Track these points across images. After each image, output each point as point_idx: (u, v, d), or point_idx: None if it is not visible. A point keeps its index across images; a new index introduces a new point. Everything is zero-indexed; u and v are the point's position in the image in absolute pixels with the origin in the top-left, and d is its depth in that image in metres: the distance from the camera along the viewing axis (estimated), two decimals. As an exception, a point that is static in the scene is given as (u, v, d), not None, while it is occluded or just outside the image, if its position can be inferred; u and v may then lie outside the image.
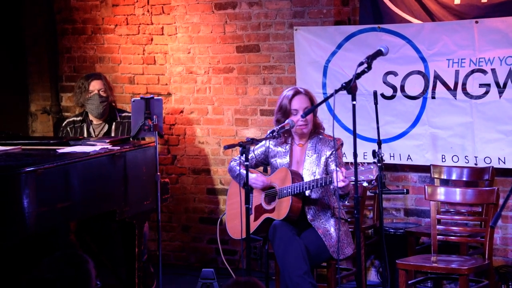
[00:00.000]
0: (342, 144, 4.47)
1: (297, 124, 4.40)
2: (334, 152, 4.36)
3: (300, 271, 4.18)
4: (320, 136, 4.47)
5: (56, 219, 4.03)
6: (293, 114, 4.40)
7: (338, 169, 4.15)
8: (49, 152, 4.47)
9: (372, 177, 3.94)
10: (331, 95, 3.93)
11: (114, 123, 5.28)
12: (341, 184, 4.09)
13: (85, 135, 5.25)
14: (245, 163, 4.13)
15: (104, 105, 5.21)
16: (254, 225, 4.43)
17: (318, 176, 4.34)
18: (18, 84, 6.46)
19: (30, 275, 2.44)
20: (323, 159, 4.42)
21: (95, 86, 5.22)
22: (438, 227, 4.62)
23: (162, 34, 6.05)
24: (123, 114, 5.32)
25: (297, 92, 4.44)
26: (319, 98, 5.07)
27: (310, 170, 4.42)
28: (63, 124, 5.41)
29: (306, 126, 4.42)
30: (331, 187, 4.29)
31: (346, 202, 4.35)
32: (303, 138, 4.49)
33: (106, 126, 5.28)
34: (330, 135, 4.44)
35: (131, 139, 4.82)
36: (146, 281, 5.01)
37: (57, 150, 4.47)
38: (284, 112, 4.42)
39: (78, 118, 5.32)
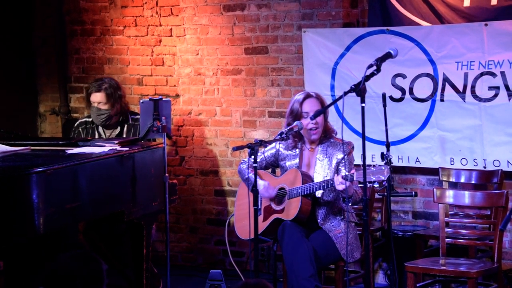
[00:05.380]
0: (353, 148, 4.47)
1: (307, 127, 4.40)
2: (345, 156, 4.36)
3: (306, 274, 4.18)
4: (331, 140, 4.47)
5: (65, 220, 4.04)
6: (303, 117, 4.41)
7: (346, 172, 4.16)
8: (58, 153, 4.49)
9: (383, 177, 3.94)
10: (340, 97, 3.93)
11: (126, 126, 5.28)
12: (340, 187, 4.10)
13: (96, 136, 5.26)
14: (254, 164, 4.13)
15: (103, 118, 5.17)
16: (263, 226, 4.43)
17: None
18: (27, 85, 6.48)
19: (48, 270, 2.47)
20: (334, 162, 4.42)
21: (94, 99, 5.18)
22: (447, 230, 4.61)
23: (171, 35, 6.06)
24: (135, 117, 5.32)
25: (308, 96, 4.45)
26: (327, 100, 5.06)
27: (321, 174, 4.41)
28: (75, 124, 5.42)
29: (317, 131, 4.42)
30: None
31: (350, 204, 4.33)
32: (313, 142, 4.50)
33: (118, 129, 5.28)
34: (341, 138, 4.43)
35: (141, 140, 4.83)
36: (153, 282, 5.02)
37: (66, 151, 4.48)
38: (295, 115, 4.42)
39: (90, 119, 5.33)
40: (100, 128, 5.27)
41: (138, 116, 5.31)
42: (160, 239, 6.05)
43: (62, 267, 2.46)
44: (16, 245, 4.35)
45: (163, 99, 4.77)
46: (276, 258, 4.62)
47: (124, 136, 5.24)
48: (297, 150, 4.51)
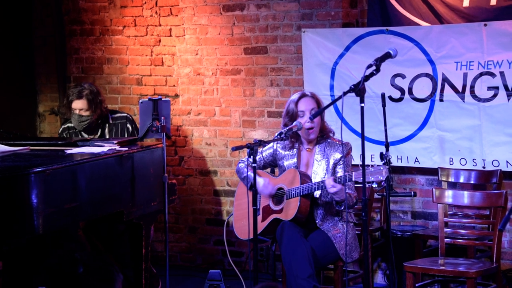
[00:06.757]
0: (351, 149, 4.47)
1: (305, 126, 4.40)
2: (343, 158, 4.36)
3: (305, 274, 4.18)
4: (329, 140, 4.47)
5: (64, 220, 4.04)
6: (299, 116, 4.40)
7: (344, 174, 4.16)
8: (57, 153, 4.49)
9: (382, 178, 3.94)
10: (340, 97, 3.93)
11: (107, 125, 5.28)
12: (332, 190, 4.10)
13: None
14: (253, 164, 4.13)
15: (84, 124, 5.17)
16: (261, 226, 4.43)
17: None
18: (26, 85, 6.48)
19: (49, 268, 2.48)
20: (331, 163, 4.42)
21: (75, 106, 5.17)
22: (446, 230, 4.61)
23: (170, 35, 6.06)
24: (115, 115, 5.32)
25: (303, 95, 4.46)
26: (326, 100, 5.07)
27: (319, 175, 4.41)
28: (59, 131, 5.44)
29: (313, 130, 4.42)
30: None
31: (342, 208, 4.32)
32: (311, 142, 4.49)
33: (99, 131, 5.27)
34: (338, 139, 4.44)
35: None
36: (152, 282, 5.02)
37: (65, 151, 4.49)
38: (292, 115, 4.42)
39: (72, 124, 5.32)
40: (83, 132, 5.27)
41: (118, 114, 5.33)
42: (159, 239, 6.05)
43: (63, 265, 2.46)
44: (16, 245, 4.35)
45: (162, 99, 4.77)
46: (275, 258, 4.63)
47: (107, 136, 5.24)
48: (295, 150, 4.51)
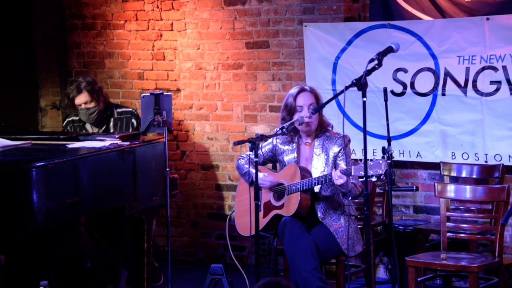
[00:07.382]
0: (349, 141, 4.47)
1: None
2: (342, 150, 4.35)
3: (309, 267, 4.18)
4: (327, 134, 4.47)
5: (66, 214, 4.04)
6: (298, 111, 4.40)
7: (344, 166, 4.15)
8: (59, 147, 4.49)
9: (381, 171, 3.94)
10: (341, 91, 3.92)
11: (112, 119, 5.27)
12: (339, 181, 4.10)
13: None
14: (255, 159, 4.13)
15: (93, 116, 5.18)
16: (263, 222, 4.43)
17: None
18: (28, 79, 6.48)
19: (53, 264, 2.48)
20: (331, 156, 4.42)
21: (79, 101, 5.16)
22: (448, 224, 4.61)
23: (172, 30, 6.05)
24: (120, 110, 5.31)
25: (302, 90, 4.45)
26: (328, 94, 5.07)
27: (319, 169, 4.41)
28: (63, 124, 5.44)
29: (312, 122, 4.42)
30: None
31: (350, 199, 4.33)
32: (310, 136, 4.49)
33: (105, 125, 5.27)
34: (337, 132, 4.44)
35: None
36: (154, 276, 5.03)
37: (67, 145, 4.48)
38: (290, 109, 4.42)
39: (77, 118, 5.32)
40: (88, 125, 5.27)
41: (123, 109, 5.33)
42: (161, 233, 6.06)
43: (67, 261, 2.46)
44: (17, 240, 4.35)
45: (164, 93, 4.77)
46: (276, 253, 4.62)
47: (112, 130, 5.24)
48: (294, 144, 4.51)
